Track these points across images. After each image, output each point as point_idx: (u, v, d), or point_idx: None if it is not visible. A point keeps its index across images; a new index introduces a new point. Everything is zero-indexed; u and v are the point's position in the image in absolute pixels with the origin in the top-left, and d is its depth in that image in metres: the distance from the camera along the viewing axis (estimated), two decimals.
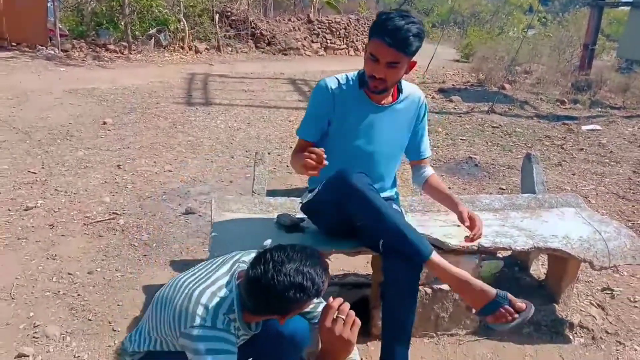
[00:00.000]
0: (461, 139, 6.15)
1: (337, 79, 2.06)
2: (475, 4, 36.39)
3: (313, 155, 1.70)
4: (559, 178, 4.84)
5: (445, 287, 2.33)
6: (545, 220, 2.61)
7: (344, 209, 1.87)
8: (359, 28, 19.43)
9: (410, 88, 2.16)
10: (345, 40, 18.87)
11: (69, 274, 2.78)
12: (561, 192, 3.73)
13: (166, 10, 13.30)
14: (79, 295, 2.60)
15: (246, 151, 5.11)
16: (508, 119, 7.35)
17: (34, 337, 2.26)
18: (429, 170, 2.29)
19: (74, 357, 2.16)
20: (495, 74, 10.64)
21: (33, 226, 3.28)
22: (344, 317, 1.37)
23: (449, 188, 3.78)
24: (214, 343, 1.35)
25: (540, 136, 6.39)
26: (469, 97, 8.94)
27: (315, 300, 1.60)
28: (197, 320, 1.35)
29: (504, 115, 7.56)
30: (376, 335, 2.30)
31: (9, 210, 3.47)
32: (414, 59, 1.94)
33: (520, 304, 1.83)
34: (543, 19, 28.64)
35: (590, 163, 5.34)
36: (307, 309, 1.63)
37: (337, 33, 18.59)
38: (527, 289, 2.76)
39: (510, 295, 1.85)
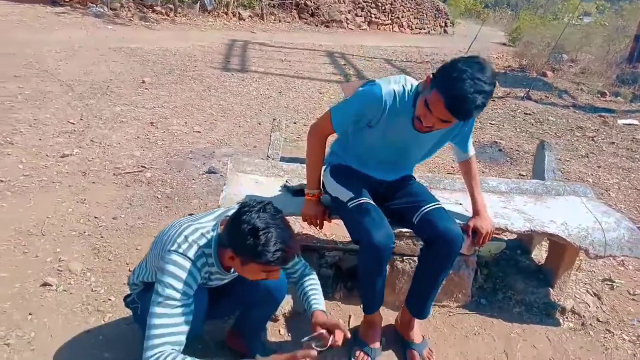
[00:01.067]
0: (490, 123, 6.10)
1: (394, 92, 1.92)
2: None
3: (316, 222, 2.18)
4: (583, 169, 4.79)
5: None
6: (548, 207, 2.65)
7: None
8: (406, 4, 19.06)
9: None
10: (390, 16, 18.57)
11: (95, 217, 3.02)
12: (578, 182, 3.70)
13: None
14: (102, 237, 2.83)
15: (273, 119, 5.23)
16: (543, 106, 7.20)
17: (58, 270, 2.50)
18: (468, 154, 2.28)
19: (92, 290, 2.39)
20: (538, 60, 10.36)
21: (67, 172, 3.54)
22: None
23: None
24: (176, 268, 1.51)
25: (573, 126, 6.27)
26: (507, 81, 8.77)
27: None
28: (174, 246, 1.52)
29: (540, 103, 7.41)
30: None
31: (47, 155, 3.74)
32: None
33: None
34: (601, 7, 27.28)
35: (619, 157, 5.24)
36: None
37: (383, 8, 18.31)
38: (524, 271, 2.83)
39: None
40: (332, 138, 2.17)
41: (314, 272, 1.90)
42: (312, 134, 2.13)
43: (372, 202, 2.06)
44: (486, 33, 20.36)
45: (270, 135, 3.04)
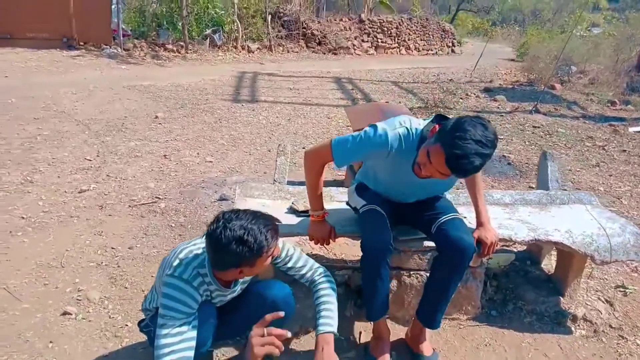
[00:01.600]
0: (499, 138, 6.13)
1: (399, 136, 1.99)
2: (537, 2, 35.22)
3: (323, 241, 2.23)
4: (594, 178, 4.79)
5: None
6: (553, 216, 2.68)
7: None
8: (411, 27, 19.38)
9: None
10: (396, 39, 18.88)
11: (112, 248, 3.13)
12: (583, 191, 3.70)
13: (222, 12, 13.87)
14: (118, 266, 2.93)
15: (279, 145, 5.32)
16: (552, 119, 7.23)
17: (77, 299, 2.59)
18: None
19: (110, 317, 2.47)
20: (545, 74, 10.42)
21: (85, 206, 3.67)
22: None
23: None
24: (173, 290, 1.61)
25: (583, 137, 6.28)
26: (515, 96, 8.82)
27: (283, 255, 1.85)
28: (171, 270, 1.63)
29: (549, 115, 7.44)
30: None
31: (66, 192, 3.89)
32: None
33: None
34: (608, 17, 27.33)
35: (631, 165, 5.22)
36: (280, 261, 1.86)
37: (389, 32, 18.64)
38: (534, 281, 2.84)
39: None
40: None
41: (328, 280, 1.96)
42: (311, 161, 2.16)
43: (381, 210, 2.14)
44: (494, 50, 20.54)
45: (276, 160, 3.14)
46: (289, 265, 1.92)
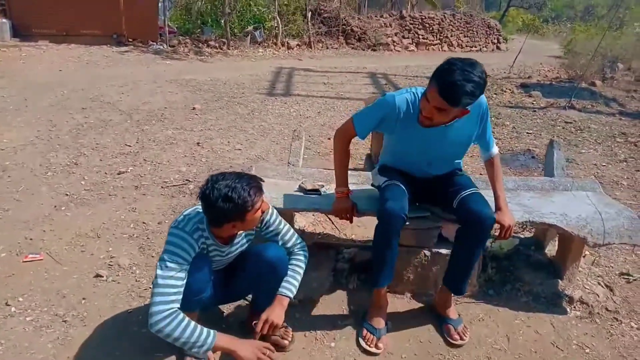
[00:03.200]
0: (527, 133, 6.14)
1: (406, 100, 2.22)
2: None
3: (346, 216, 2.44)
4: (619, 173, 4.76)
5: (443, 251, 2.62)
6: (553, 201, 2.77)
7: None
8: (455, 23, 19.17)
9: None
10: (438, 36, 18.72)
11: (143, 223, 3.43)
12: (587, 178, 3.68)
13: (263, 9, 14.24)
14: (148, 238, 3.23)
15: (309, 136, 5.60)
16: (586, 115, 7.12)
17: (109, 264, 2.90)
18: (491, 153, 2.50)
19: (136, 281, 2.76)
20: (587, 70, 10.17)
21: (122, 186, 4.01)
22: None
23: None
24: (175, 238, 1.87)
25: (615, 133, 6.18)
26: (552, 92, 8.69)
27: (272, 218, 2.07)
28: (175, 223, 1.90)
29: (583, 112, 7.33)
30: None
31: (106, 173, 4.25)
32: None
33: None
34: None
35: None
36: (267, 225, 2.08)
37: (430, 29, 18.50)
38: (534, 264, 2.93)
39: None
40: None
41: (303, 253, 2.18)
42: (337, 138, 2.45)
43: (401, 184, 2.33)
44: (542, 47, 20.07)
45: (291, 145, 3.36)
46: (274, 230, 2.12)
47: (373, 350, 2.27)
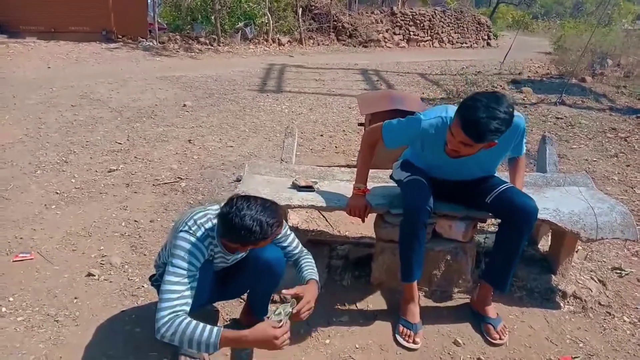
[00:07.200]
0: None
1: (435, 124, 2.20)
2: None
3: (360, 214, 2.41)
4: (609, 168, 4.79)
5: (440, 249, 2.62)
6: (546, 196, 2.78)
7: None
8: (445, 20, 19.22)
9: None
10: (429, 32, 18.77)
11: (135, 221, 3.40)
12: (579, 173, 3.72)
13: (254, 6, 14.18)
14: (140, 236, 3.20)
15: (302, 133, 5.58)
16: (577, 110, 7.17)
17: (101, 263, 2.87)
18: (518, 154, 2.51)
19: (128, 279, 2.73)
20: (577, 66, 10.24)
21: (113, 184, 3.97)
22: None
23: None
24: (187, 244, 1.82)
25: (606, 128, 6.22)
26: (542, 88, 8.75)
27: (282, 234, 2.05)
28: (185, 227, 1.84)
29: (574, 107, 7.38)
30: (374, 285, 2.69)
31: (97, 171, 4.21)
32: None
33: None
34: None
35: None
36: (277, 240, 2.05)
37: (421, 25, 18.54)
38: (528, 260, 2.94)
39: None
40: None
41: (310, 255, 2.17)
42: (365, 139, 2.46)
43: (424, 180, 2.33)
44: (532, 43, 20.17)
45: (284, 141, 3.34)
46: (284, 244, 2.12)
47: (411, 345, 2.27)
